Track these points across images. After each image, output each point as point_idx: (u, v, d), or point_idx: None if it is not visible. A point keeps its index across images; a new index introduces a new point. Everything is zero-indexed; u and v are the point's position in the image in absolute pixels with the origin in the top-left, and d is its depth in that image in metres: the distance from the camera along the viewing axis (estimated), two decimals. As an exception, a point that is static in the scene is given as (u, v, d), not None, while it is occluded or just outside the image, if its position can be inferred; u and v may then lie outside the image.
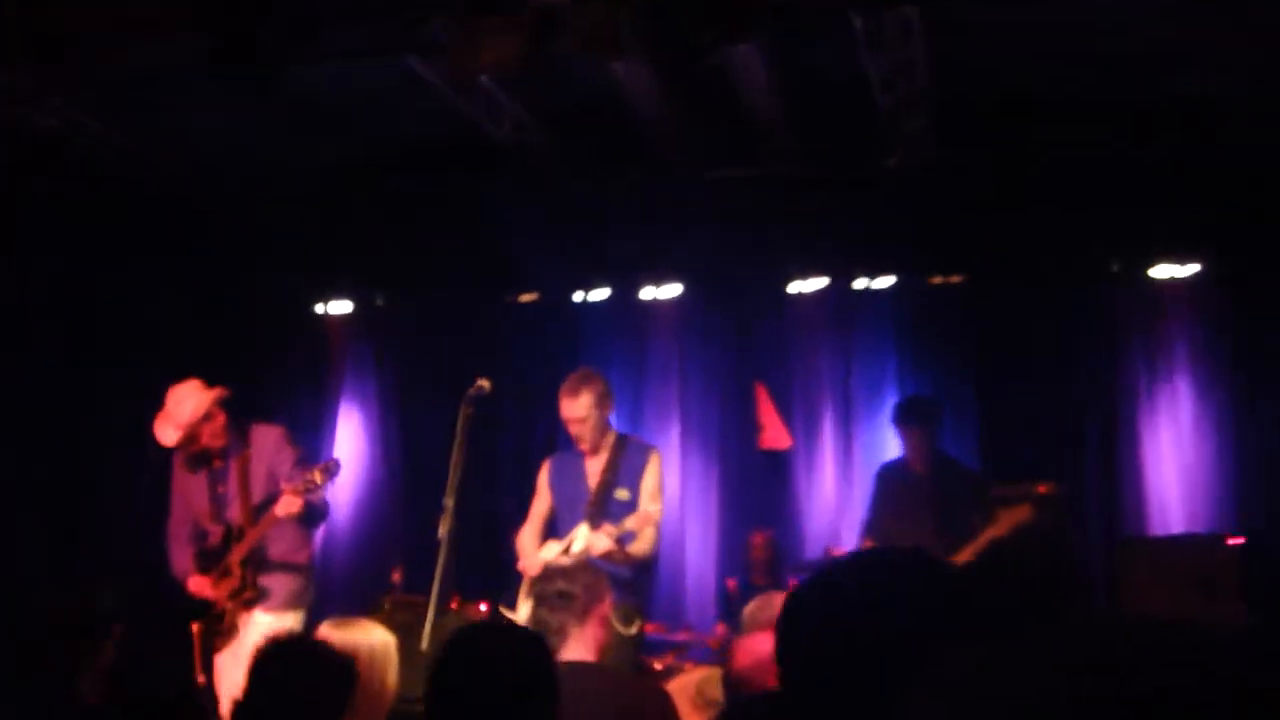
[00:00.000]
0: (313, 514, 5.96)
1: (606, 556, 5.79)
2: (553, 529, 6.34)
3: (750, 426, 8.31)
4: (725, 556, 8.27)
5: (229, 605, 5.96)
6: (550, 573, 4.50)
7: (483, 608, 6.78)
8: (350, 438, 8.82)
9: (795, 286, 8.26)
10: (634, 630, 5.96)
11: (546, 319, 8.58)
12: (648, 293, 8.40)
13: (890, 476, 7.20)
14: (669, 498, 7.38)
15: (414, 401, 8.57)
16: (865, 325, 8.15)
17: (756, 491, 8.28)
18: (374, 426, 8.79)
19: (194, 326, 8.41)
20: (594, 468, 6.23)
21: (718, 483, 8.32)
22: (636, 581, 6.12)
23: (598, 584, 4.43)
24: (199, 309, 8.54)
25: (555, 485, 6.37)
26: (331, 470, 5.71)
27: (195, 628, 5.91)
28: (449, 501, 5.54)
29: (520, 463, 7.83)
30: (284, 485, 5.86)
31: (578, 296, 8.52)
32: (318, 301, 8.84)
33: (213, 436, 6.03)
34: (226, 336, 8.43)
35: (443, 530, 5.47)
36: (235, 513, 6.02)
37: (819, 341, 8.20)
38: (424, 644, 5.47)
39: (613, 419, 6.37)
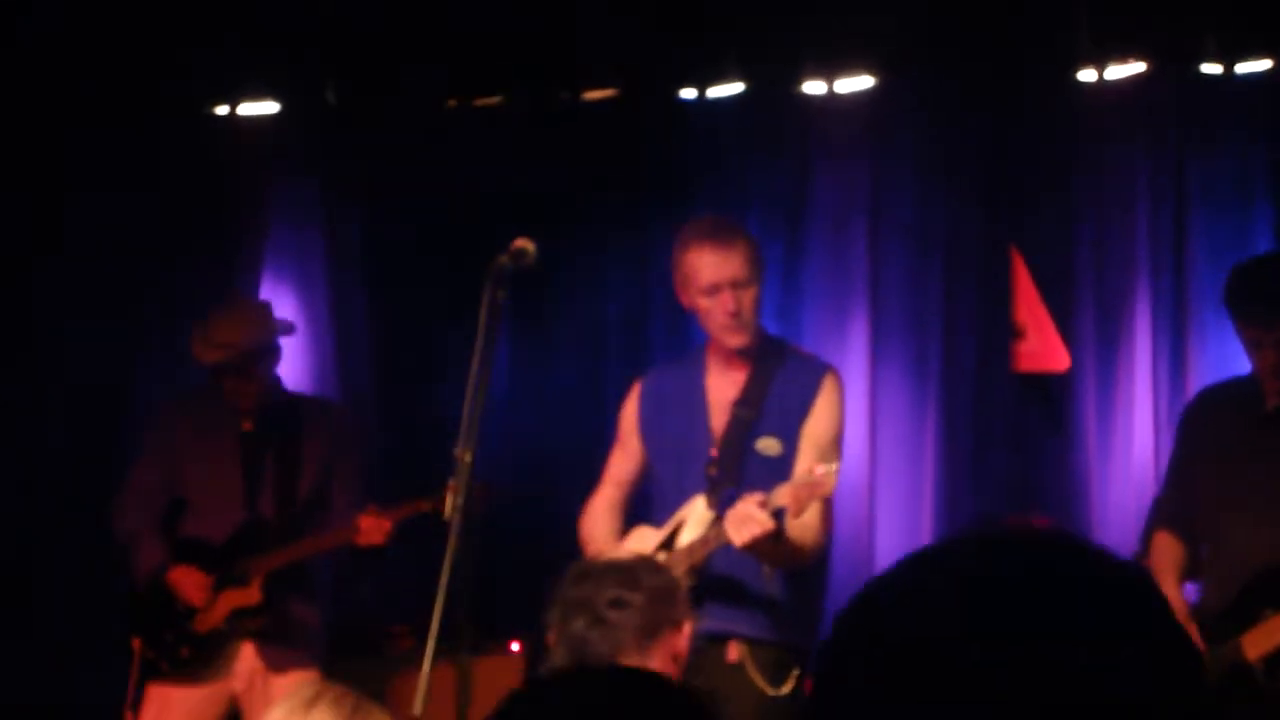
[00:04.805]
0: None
1: (753, 549, 4.84)
2: (648, 505, 5.43)
3: (999, 331, 7.02)
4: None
5: (214, 625, 5.79)
6: (589, 571, 3.94)
7: (515, 647, 6.22)
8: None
9: (1088, 74, 6.75)
10: (787, 690, 5.10)
11: (631, 131, 7.26)
12: (814, 87, 7.00)
13: (1215, 414, 5.63)
14: (850, 456, 6.13)
15: (395, 276, 7.49)
16: (1216, 138, 6.72)
17: (1010, 448, 6.95)
18: (322, 322, 7.50)
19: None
20: (722, 393, 5.32)
21: (938, 430, 6.98)
22: (791, 603, 5.11)
23: (672, 594, 3.85)
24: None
25: (649, 425, 5.46)
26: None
27: (136, 644, 5.72)
28: (464, 455, 4.60)
29: (592, 383, 7.11)
30: (364, 509, 5.75)
31: (687, 93, 7.18)
32: (218, 100, 7.37)
33: (261, 379, 5.89)
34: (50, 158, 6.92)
35: (452, 505, 4.55)
36: (268, 503, 5.98)
37: (1126, 170, 6.74)
38: (417, 710, 4.44)
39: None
